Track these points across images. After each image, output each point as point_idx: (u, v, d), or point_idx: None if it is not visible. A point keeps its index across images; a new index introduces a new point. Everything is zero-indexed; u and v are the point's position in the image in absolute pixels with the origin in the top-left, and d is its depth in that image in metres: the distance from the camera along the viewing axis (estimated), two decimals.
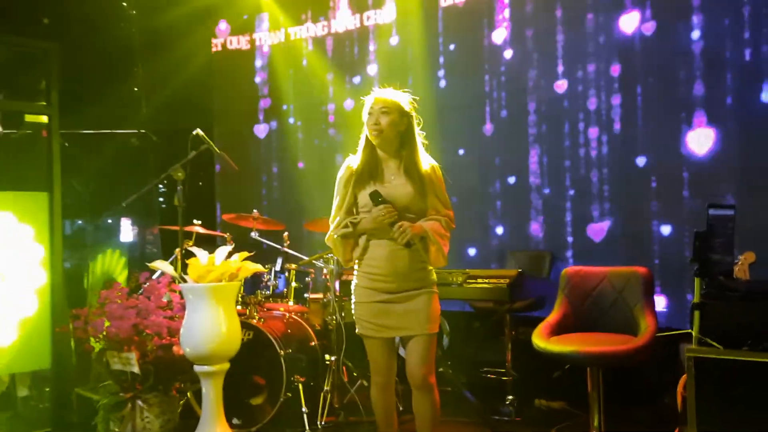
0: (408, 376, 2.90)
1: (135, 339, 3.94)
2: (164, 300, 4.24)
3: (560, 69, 5.06)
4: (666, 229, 4.46)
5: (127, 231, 7.75)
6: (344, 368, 4.45)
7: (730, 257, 2.67)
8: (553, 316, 3.30)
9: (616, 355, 2.88)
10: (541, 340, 3.13)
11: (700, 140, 4.24)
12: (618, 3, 4.75)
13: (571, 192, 4.99)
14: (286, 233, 4.71)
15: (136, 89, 6.87)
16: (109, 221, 7.71)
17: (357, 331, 2.98)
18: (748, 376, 2.05)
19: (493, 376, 4.68)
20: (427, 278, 2.89)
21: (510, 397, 4.42)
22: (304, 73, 6.47)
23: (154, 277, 4.59)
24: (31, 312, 4.76)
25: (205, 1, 6.37)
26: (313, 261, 4.51)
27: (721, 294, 2.26)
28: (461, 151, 5.57)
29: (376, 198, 2.76)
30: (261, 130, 6.77)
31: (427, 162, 2.91)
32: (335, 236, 2.90)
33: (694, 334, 2.22)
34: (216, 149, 4.26)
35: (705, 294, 2.29)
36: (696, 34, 4.36)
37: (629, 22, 4.69)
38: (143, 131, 7.11)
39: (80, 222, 7.56)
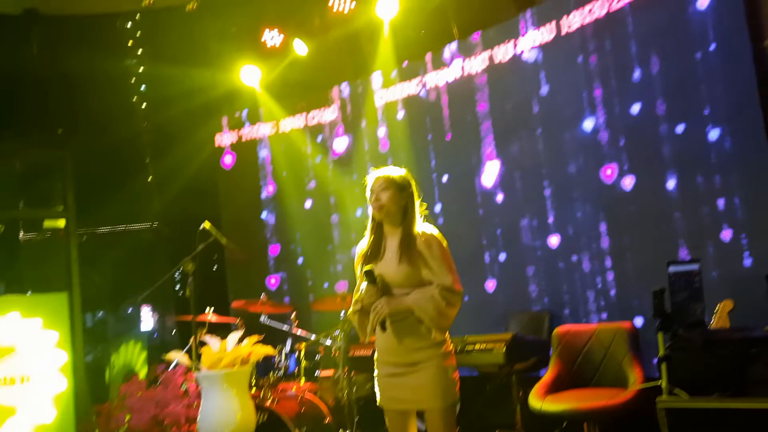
0: None
1: (155, 430, 4.11)
2: (181, 389, 4.42)
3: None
4: None
5: (146, 320, 7.96)
6: None
7: (701, 307, 2.83)
8: (548, 376, 3.43)
9: (607, 409, 3.00)
10: (536, 400, 3.26)
11: None
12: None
13: None
14: (293, 314, 4.90)
15: (150, 178, 7.20)
16: (129, 311, 7.94)
17: (378, 402, 3.08)
18: (716, 420, 2.19)
19: None
20: (434, 350, 2.90)
21: None
22: (299, 159, 6.76)
23: (170, 367, 4.78)
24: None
25: (206, 97, 6.74)
26: (321, 339, 4.67)
27: (683, 346, 2.42)
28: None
29: (368, 277, 2.88)
30: (266, 215, 7.05)
31: (423, 233, 2.97)
32: (350, 311, 3.04)
33: (663, 385, 2.36)
34: (223, 240, 4.45)
35: (669, 347, 2.45)
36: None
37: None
38: (155, 224, 7.44)
39: (101, 314, 7.80)
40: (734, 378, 2.26)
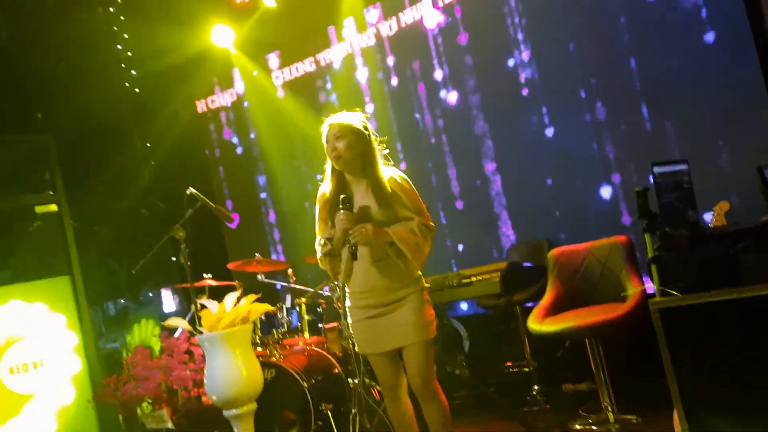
0: (410, 386, 2.96)
1: (164, 396, 4.12)
2: (186, 355, 4.42)
3: None
4: None
5: (167, 302, 7.95)
6: (377, 390, 4.53)
7: (693, 209, 2.74)
8: (546, 299, 3.36)
9: (606, 323, 2.94)
10: (535, 323, 3.20)
11: None
12: None
13: None
14: (290, 270, 4.86)
15: (148, 145, 7.07)
16: (150, 295, 7.95)
17: (357, 349, 3.07)
18: (711, 315, 2.13)
19: (515, 370, 4.74)
20: (410, 287, 2.91)
21: (536, 387, 4.49)
22: (281, 117, 6.65)
23: (176, 334, 4.79)
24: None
25: (184, 62, 6.53)
26: (319, 291, 4.64)
27: (672, 244, 2.34)
28: None
29: (343, 203, 2.84)
30: (258, 178, 6.99)
31: (390, 175, 2.95)
32: (320, 255, 3.00)
33: (655, 287, 2.29)
34: (211, 204, 4.38)
35: (658, 247, 2.37)
36: None
37: None
38: (151, 201, 7.38)
39: (122, 301, 7.82)
40: (727, 271, 2.19)
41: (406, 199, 2.91)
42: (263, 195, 6.93)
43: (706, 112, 4.20)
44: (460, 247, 5.59)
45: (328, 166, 3.02)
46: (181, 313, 7.89)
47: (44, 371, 5.30)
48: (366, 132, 2.95)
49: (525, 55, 5.17)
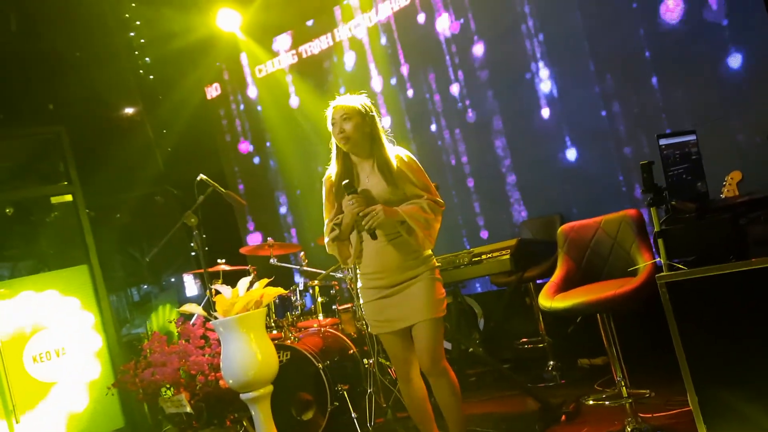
0: (419, 364, 2.99)
1: (181, 381, 4.17)
2: (202, 340, 4.47)
3: None
4: None
5: (189, 287, 8.02)
6: (393, 369, 4.55)
7: (702, 181, 2.70)
8: (557, 275, 3.34)
9: (617, 298, 2.91)
10: (546, 300, 3.19)
11: None
12: None
13: None
14: (302, 253, 4.88)
15: (164, 131, 7.07)
16: (172, 280, 8.01)
17: (369, 330, 3.10)
18: (718, 288, 2.10)
19: (530, 346, 4.74)
20: (422, 266, 2.93)
21: (551, 362, 4.49)
22: (290, 100, 6.64)
23: (192, 320, 4.84)
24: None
25: (195, 48, 6.58)
26: (331, 273, 4.65)
27: (678, 217, 2.31)
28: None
29: (348, 188, 2.87)
30: (269, 161, 7.00)
31: (396, 153, 2.97)
32: (327, 240, 3.02)
33: (663, 261, 2.27)
34: (221, 189, 4.39)
35: (664, 221, 2.34)
36: None
37: None
38: (165, 188, 7.42)
39: (145, 287, 7.90)
40: (735, 243, 2.16)
41: (412, 177, 2.94)
42: (275, 179, 6.94)
43: (718, 81, 4.12)
44: (473, 225, 5.57)
45: (334, 148, 3.03)
46: (202, 297, 7.98)
47: (66, 358, 5.41)
48: (371, 112, 2.97)
49: (533, 26, 5.10)
